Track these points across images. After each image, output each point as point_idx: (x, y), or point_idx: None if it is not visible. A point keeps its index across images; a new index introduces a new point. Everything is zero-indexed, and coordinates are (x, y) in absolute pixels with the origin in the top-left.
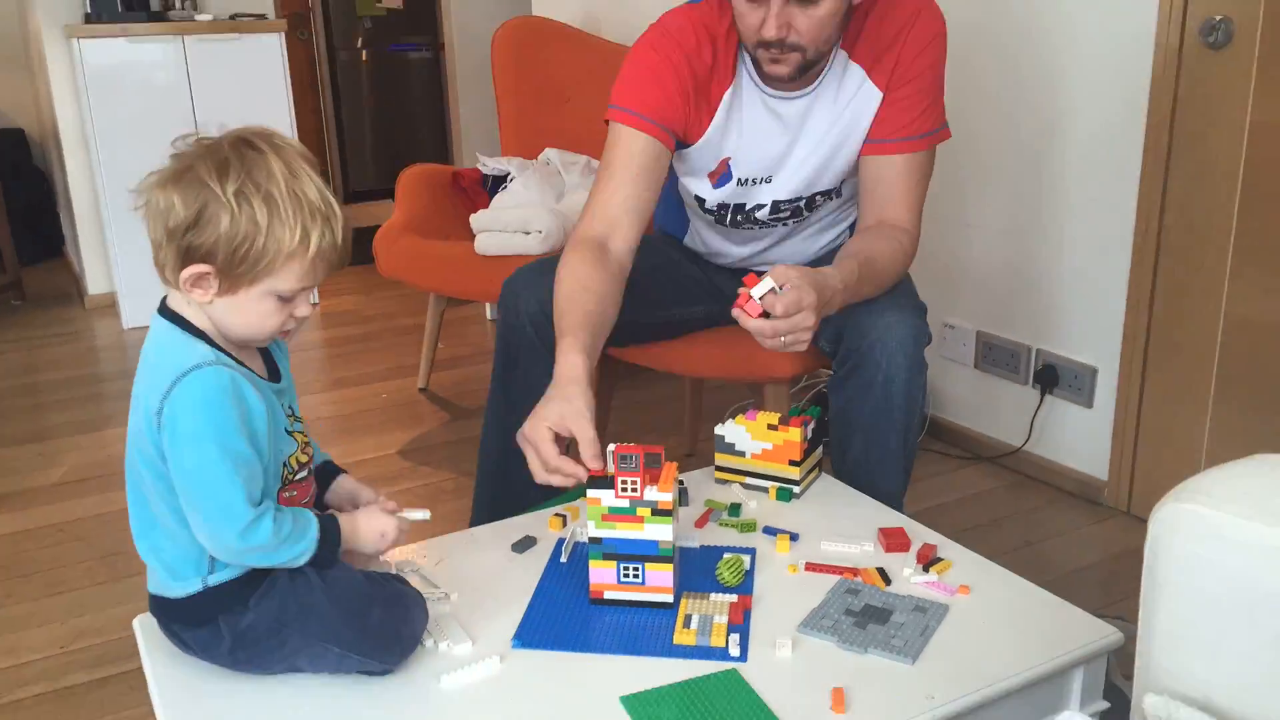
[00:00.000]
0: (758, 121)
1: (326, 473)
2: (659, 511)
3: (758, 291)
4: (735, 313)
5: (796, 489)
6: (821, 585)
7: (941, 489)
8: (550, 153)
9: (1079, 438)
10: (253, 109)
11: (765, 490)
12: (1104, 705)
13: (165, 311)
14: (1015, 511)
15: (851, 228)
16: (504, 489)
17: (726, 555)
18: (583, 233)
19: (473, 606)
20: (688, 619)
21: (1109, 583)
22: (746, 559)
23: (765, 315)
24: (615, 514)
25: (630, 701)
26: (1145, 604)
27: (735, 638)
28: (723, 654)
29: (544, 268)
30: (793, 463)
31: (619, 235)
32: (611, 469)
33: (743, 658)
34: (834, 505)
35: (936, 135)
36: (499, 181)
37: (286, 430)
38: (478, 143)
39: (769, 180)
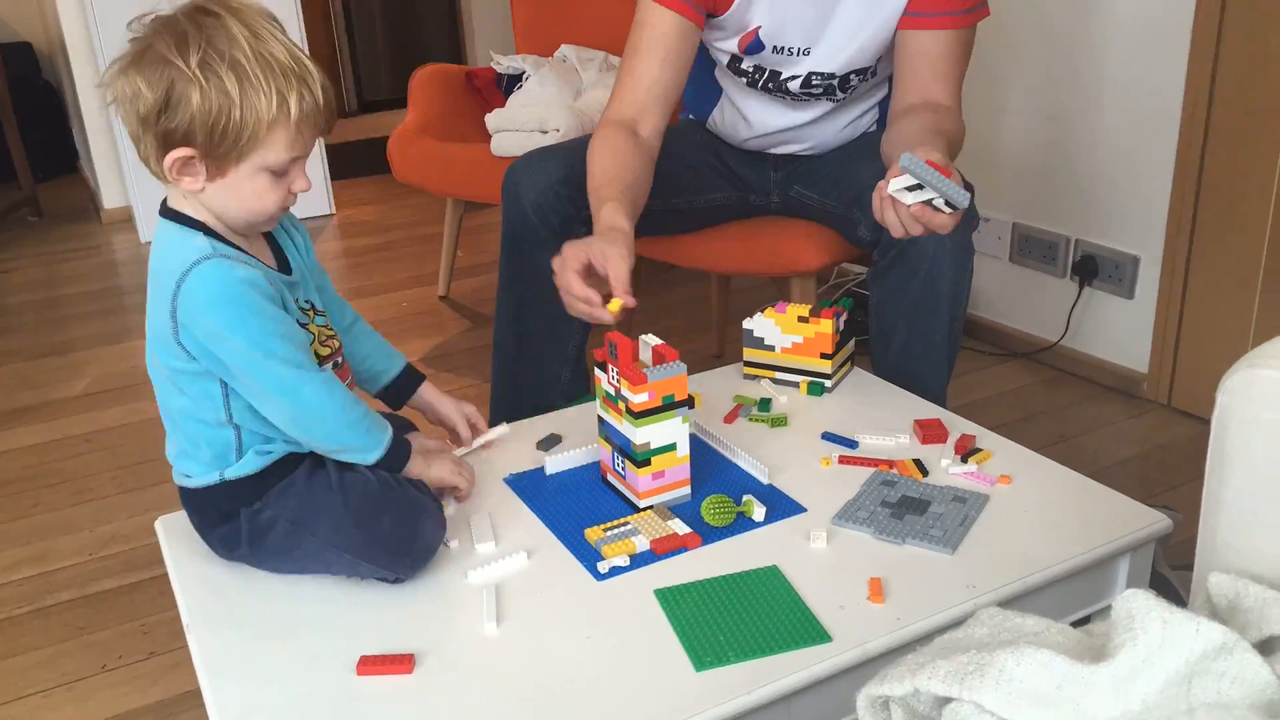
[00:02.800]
0: None
1: (408, 381)
2: (631, 413)
3: (913, 199)
4: (885, 196)
5: (828, 383)
6: (856, 478)
7: (974, 386)
8: (566, 49)
9: (1118, 330)
10: None
11: (796, 385)
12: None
13: (165, 211)
14: (1051, 407)
15: (879, 105)
16: (519, 383)
17: (715, 495)
18: (612, 115)
19: (497, 506)
20: (622, 525)
21: (1149, 476)
22: (760, 511)
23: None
24: (608, 400)
25: (664, 595)
26: (1211, 478)
27: (621, 560)
28: (593, 564)
29: (546, 154)
30: (824, 355)
31: (648, 120)
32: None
33: (601, 577)
34: (867, 399)
35: (978, 12)
36: (514, 81)
37: (299, 322)
38: (491, 41)
39: (807, 52)
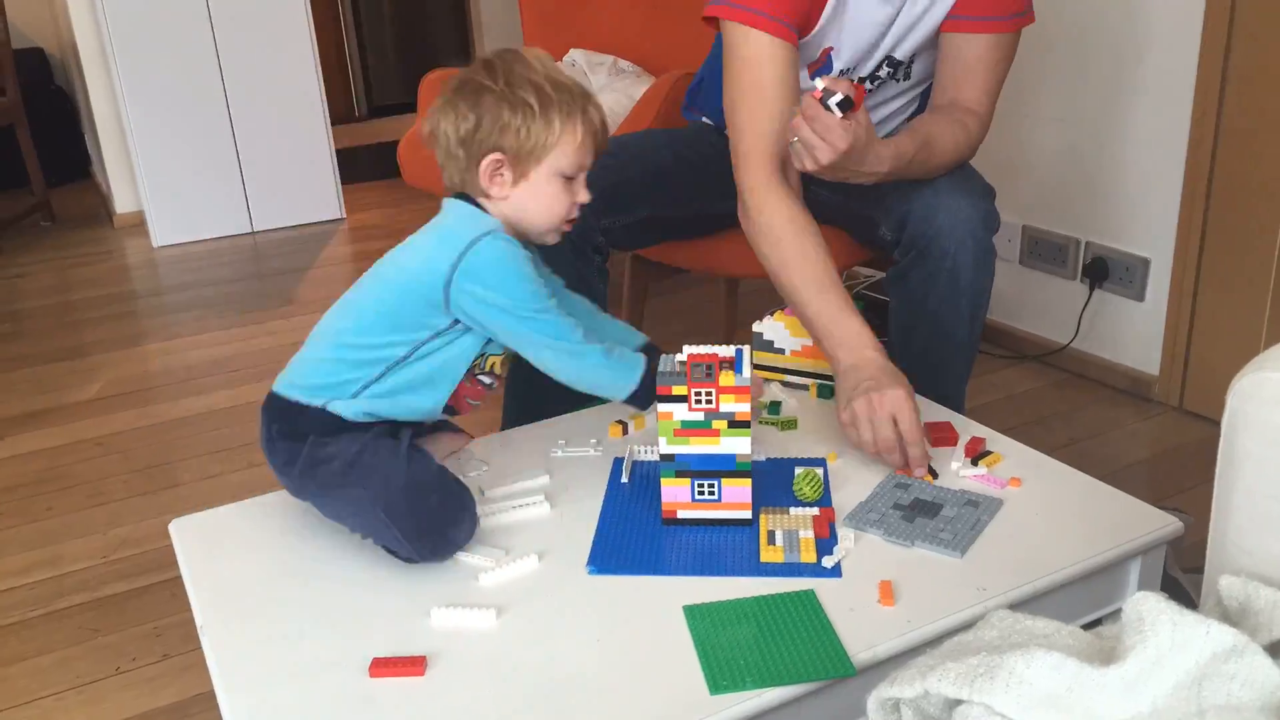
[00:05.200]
0: (863, 4)
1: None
2: (736, 423)
3: (830, 99)
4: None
5: None
6: (868, 481)
7: (983, 389)
8: (576, 54)
9: (1129, 332)
10: (271, 19)
11: (806, 388)
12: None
13: (461, 196)
14: (1061, 410)
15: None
16: (531, 387)
17: (801, 469)
18: (761, 155)
19: (512, 511)
20: (771, 535)
21: (1160, 478)
22: (820, 471)
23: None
24: (689, 428)
25: (692, 611)
26: (1221, 481)
27: (839, 550)
28: (814, 569)
29: None
30: None
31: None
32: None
33: (836, 572)
34: None
35: (1023, 18)
36: None
37: None
38: (500, 46)
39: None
